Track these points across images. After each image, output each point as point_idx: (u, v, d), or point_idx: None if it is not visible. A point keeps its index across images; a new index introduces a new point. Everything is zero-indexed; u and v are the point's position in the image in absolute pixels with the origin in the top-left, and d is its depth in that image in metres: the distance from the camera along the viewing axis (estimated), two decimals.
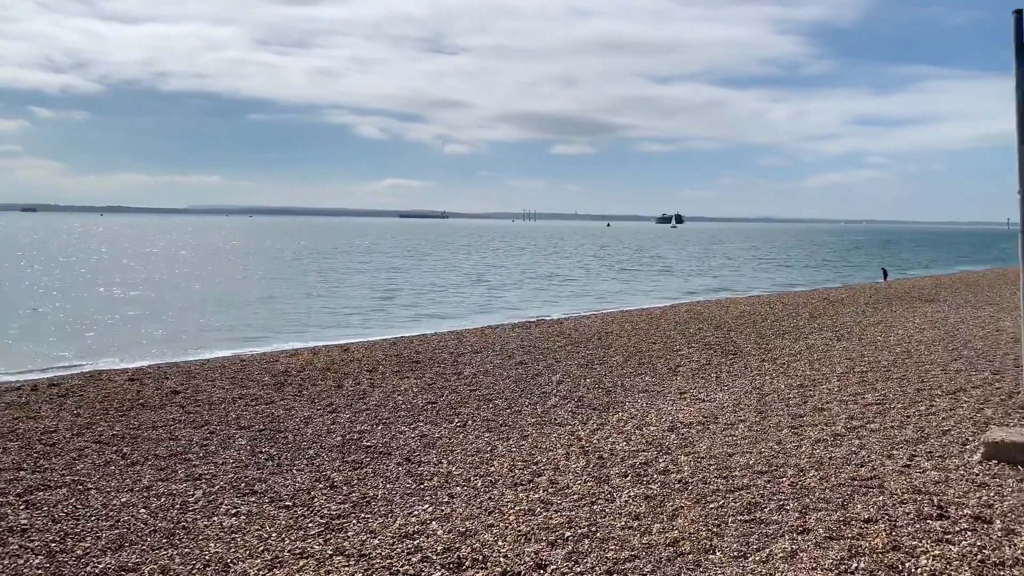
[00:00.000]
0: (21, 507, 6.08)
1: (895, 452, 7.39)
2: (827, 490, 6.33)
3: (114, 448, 7.71)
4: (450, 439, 8.12)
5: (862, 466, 6.96)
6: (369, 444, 7.93)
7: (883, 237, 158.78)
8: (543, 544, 5.38)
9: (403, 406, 9.62)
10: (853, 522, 5.66)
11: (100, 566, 5.10)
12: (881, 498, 6.13)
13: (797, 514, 5.82)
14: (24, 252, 57.22)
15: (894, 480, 6.56)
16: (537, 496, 6.32)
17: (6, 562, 5.13)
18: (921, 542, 5.30)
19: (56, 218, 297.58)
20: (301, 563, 5.14)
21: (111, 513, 5.98)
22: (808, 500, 6.10)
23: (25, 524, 5.74)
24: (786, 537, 5.42)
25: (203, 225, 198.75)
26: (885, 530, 5.50)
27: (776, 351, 13.69)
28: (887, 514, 5.79)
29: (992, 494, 6.19)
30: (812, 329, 16.56)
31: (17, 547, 5.36)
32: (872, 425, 8.41)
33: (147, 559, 5.21)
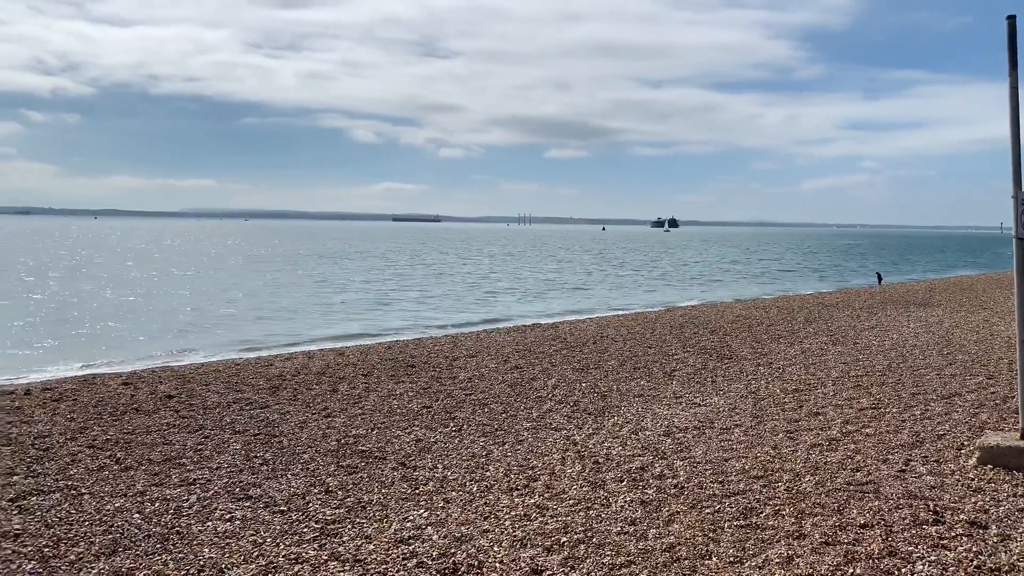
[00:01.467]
0: (14, 512, 6.04)
1: (890, 457, 7.39)
2: (823, 495, 6.34)
3: (108, 453, 7.67)
4: (445, 443, 8.11)
5: (857, 471, 6.97)
6: (364, 448, 7.91)
7: (877, 241, 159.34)
8: (539, 549, 5.36)
9: (398, 410, 9.60)
10: (849, 527, 5.66)
11: (94, 571, 5.07)
12: (877, 503, 6.13)
13: (793, 519, 5.82)
14: (20, 254, 57.00)
15: (890, 485, 6.56)
16: (533, 501, 6.31)
17: None
18: (917, 547, 5.30)
19: (51, 221, 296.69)
20: (296, 569, 5.12)
21: (104, 518, 5.95)
22: (804, 505, 6.10)
23: (18, 529, 5.70)
24: (782, 542, 5.42)
25: (199, 229, 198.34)
26: (881, 535, 5.50)
27: (771, 355, 13.71)
28: (883, 519, 5.79)
29: (988, 499, 6.19)
30: (807, 333, 16.59)
31: (10, 552, 5.32)
32: (867, 430, 8.42)
33: (141, 564, 5.18)
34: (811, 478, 6.77)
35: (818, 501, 6.19)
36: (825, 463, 7.21)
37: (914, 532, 5.55)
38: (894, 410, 9.32)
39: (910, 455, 7.44)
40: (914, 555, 5.18)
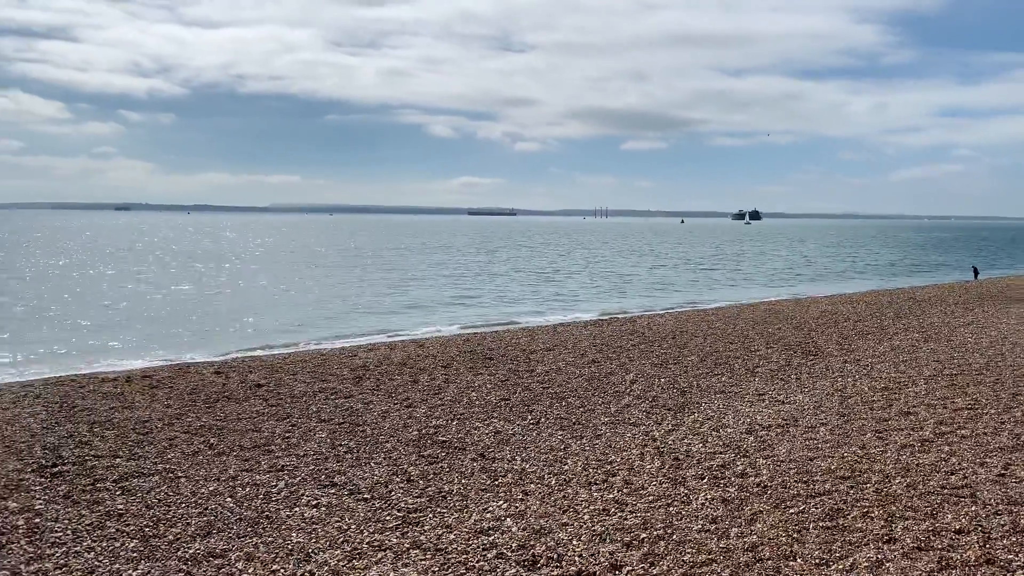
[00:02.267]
0: (118, 493, 6.39)
1: (988, 460, 7.07)
2: (915, 498, 6.11)
3: (202, 438, 8.03)
4: (523, 436, 8.16)
5: (952, 474, 6.69)
6: (444, 439, 8.04)
7: (973, 233, 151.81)
8: (618, 544, 5.35)
9: (477, 402, 9.71)
10: (943, 532, 5.44)
11: (190, 551, 5.33)
12: (974, 508, 5.88)
13: (883, 522, 5.64)
14: (121, 248, 60.04)
15: (988, 489, 6.28)
16: (611, 496, 6.30)
17: (104, 544, 5.41)
18: (1018, 555, 5.06)
19: (148, 216, 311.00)
20: (379, 555, 5.25)
21: (200, 501, 6.24)
22: (894, 508, 5.90)
23: (121, 509, 6.04)
24: (871, 546, 5.26)
25: (287, 223, 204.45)
26: (978, 542, 5.27)
27: (859, 352, 13.26)
28: (980, 525, 5.55)
29: None
30: (897, 329, 15.97)
31: (114, 531, 5.64)
32: (963, 431, 8.06)
33: (233, 546, 5.41)
34: (902, 480, 6.53)
35: (909, 504, 5.98)
36: (917, 465, 6.95)
37: (1014, 539, 5.30)
38: (992, 411, 8.90)
39: (1010, 459, 7.09)
40: (1014, 564, 4.95)
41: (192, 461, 7.26)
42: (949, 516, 5.73)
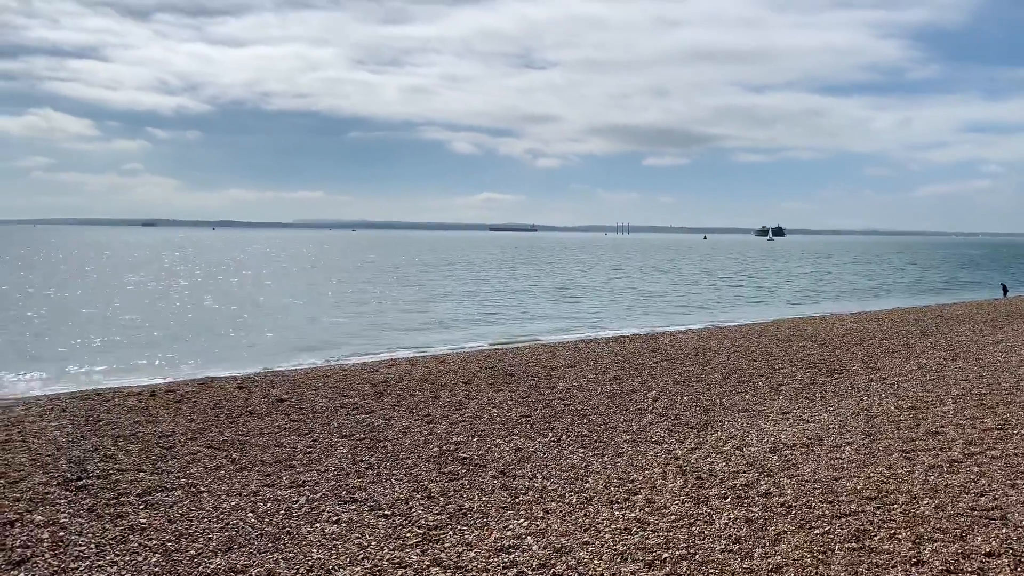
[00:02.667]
0: (140, 507, 6.44)
1: (1019, 481, 6.92)
2: (943, 520, 6.00)
3: (224, 453, 8.07)
4: (544, 453, 8.12)
5: (982, 495, 6.56)
6: (465, 456, 8.02)
7: (1002, 250, 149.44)
8: (640, 564, 5.30)
9: (498, 419, 9.68)
10: (973, 555, 5.33)
11: (211, 566, 5.34)
12: (1004, 530, 5.75)
13: (910, 544, 5.54)
14: (147, 263, 60.81)
15: (1019, 511, 6.15)
16: (633, 515, 6.24)
17: (127, 559, 5.44)
18: None
19: (174, 232, 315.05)
20: (399, 573, 5.24)
21: (221, 516, 6.26)
22: (922, 530, 5.79)
23: (144, 523, 6.08)
24: (899, 568, 5.16)
25: (311, 239, 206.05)
26: (1009, 565, 5.16)
27: (885, 370, 13.08)
28: (1011, 548, 5.43)
29: None
30: (924, 348, 15.75)
31: (137, 545, 5.68)
32: (993, 452, 7.91)
33: (254, 562, 5.42)
34: (930, 501, 6.42)
35: (938, 526, 5.86)
36: (945, 486, 6.82)
37: None
38: (1023, 431, 8.72)
39: None
40: None
41: (214, 476, 7.30)
42: (979, 539, 5.61)
